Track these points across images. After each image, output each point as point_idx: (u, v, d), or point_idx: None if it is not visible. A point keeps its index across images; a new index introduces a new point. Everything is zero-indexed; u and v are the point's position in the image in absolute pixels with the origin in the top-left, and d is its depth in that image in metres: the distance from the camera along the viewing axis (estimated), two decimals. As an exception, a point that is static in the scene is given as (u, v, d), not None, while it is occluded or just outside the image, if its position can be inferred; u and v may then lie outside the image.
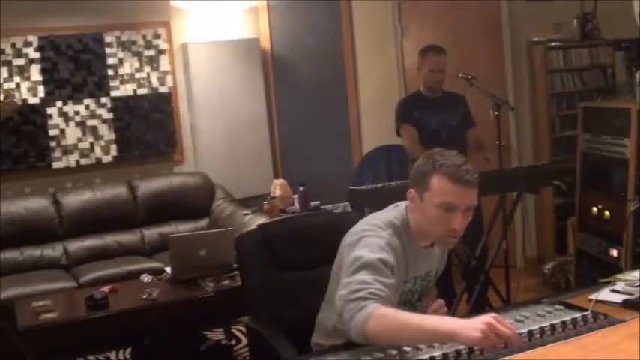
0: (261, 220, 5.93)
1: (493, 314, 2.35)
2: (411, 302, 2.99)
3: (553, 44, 7.19)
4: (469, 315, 2.79)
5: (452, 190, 2.69)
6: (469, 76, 5.53)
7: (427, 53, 5.86)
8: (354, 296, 2.50)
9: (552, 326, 2.58)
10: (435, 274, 3.12)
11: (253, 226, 3.95)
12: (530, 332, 2.54)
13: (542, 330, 2.56)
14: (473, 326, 2.29)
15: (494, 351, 2.32)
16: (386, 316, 2.42)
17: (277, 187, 6.89)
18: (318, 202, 6.71)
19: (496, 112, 5.37)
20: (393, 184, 5.13)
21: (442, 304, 2.99)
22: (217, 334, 5.70)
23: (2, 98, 6.46)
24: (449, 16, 7.31)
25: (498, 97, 5.44)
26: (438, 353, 2.42)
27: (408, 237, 2.82)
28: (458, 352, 2.42)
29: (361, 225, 2.85)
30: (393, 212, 2.90)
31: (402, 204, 2.93)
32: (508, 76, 7.34)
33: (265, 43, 7.66)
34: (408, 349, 2.48)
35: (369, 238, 2.72)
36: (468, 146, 5.86)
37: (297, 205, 6.68)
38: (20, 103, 6.56)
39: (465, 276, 5.69)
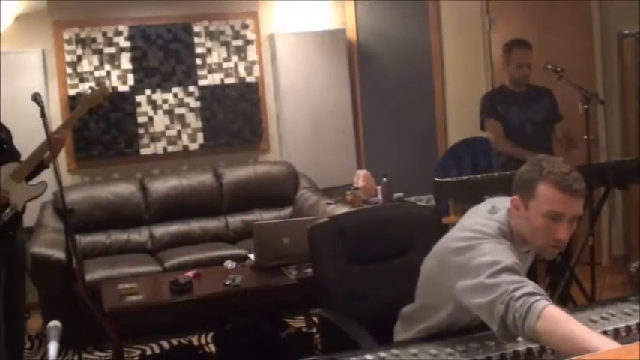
0: (344, 210, 5.94)
1: None
2: None
3: (645, 37, 7.02)
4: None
5: (559, 198, 2.60)
6: (558, 69, 5.42)
7: (512, 48, 5.77)
8: (519, 293, 2.38)
9: (639, 325, 2.54)
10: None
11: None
12: (617, 330, 2.50)
13: (628, 328, 2.52)
14: None
15: None
16: (556, 320, 2.29)
17: (360, 177, 6.89)
18: (401, 194, 6.70)
19: (585, 106, 5.25)
20: (478, 176, 5.09)
21: None
22: (298, 322, 5.73)
23: (94, 86, 6.58)
24: (538, 8, 7.19)
25: (587, 91, 5.33)
26: (521, 348, 2.41)
27: (512, 243, 2.73)
28: (542, 348, 2.40)
29: (466, 232, 2.72)
30: (497, 218, 2.78)
31: (499, 207, 2.83)
32: (597, 70, 7.19)
33: (351, 34, 7.67)
34: (491, 343, 2.47)
35: (489, 244, 2.62)
36: (558, 141, 5.77)
37: (380, 197, 6.67)
38: (110, 90, 6.66)
39: (550, 272, 5.61)
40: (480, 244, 2.63)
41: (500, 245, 2.63)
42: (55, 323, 1.99)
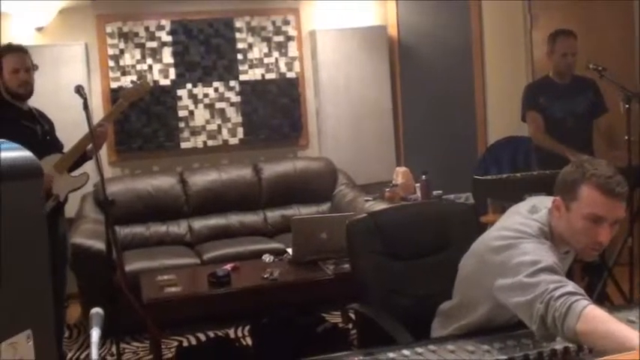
0: (382, 206, 5.94)
1: None
2: None
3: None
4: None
5: (602, 201, 2.57)
6: (600, 68, 5.37)
7: (557, 37, 5.72)
8: (559, 293, 2.37)
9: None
10: None
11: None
12: (655, 331, 2.49)
13: (666, 328, 2.50)
14: None
15: None
16: (597, 320, 2.28)
17: (399, 174, 6.89)
18: (440, 192, 6.68)
19: (627, 106, 5.20)
20: (517, 175, 5.07)
21: None
22: (335, 317, 5.73)
23: (135, 79, 6.64)
24: (580, 6, 7.13)
25: (629, 90, 5.27)
26: (559, 347, 2.41)
27: (552, 244, 2.71)
28: (579, 347, 2.39)
29: (507, 231, 2.71)
30: (537, 218, 2.77)
31: (540, 206, 2.82)
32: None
33: (392, 31, 7.66)
34: (528, 341, 2.46)
35: (529, 243, 2.62)
36: (601, 134, 5.73)
37: (418, 194, 6.66)
38: (152, 84, 6.71)
39: (587, 273, 5.56)
40: (520, 243, 2.62)
41: (540, 245, 2.62)
42: (97, 310, 2.02)
